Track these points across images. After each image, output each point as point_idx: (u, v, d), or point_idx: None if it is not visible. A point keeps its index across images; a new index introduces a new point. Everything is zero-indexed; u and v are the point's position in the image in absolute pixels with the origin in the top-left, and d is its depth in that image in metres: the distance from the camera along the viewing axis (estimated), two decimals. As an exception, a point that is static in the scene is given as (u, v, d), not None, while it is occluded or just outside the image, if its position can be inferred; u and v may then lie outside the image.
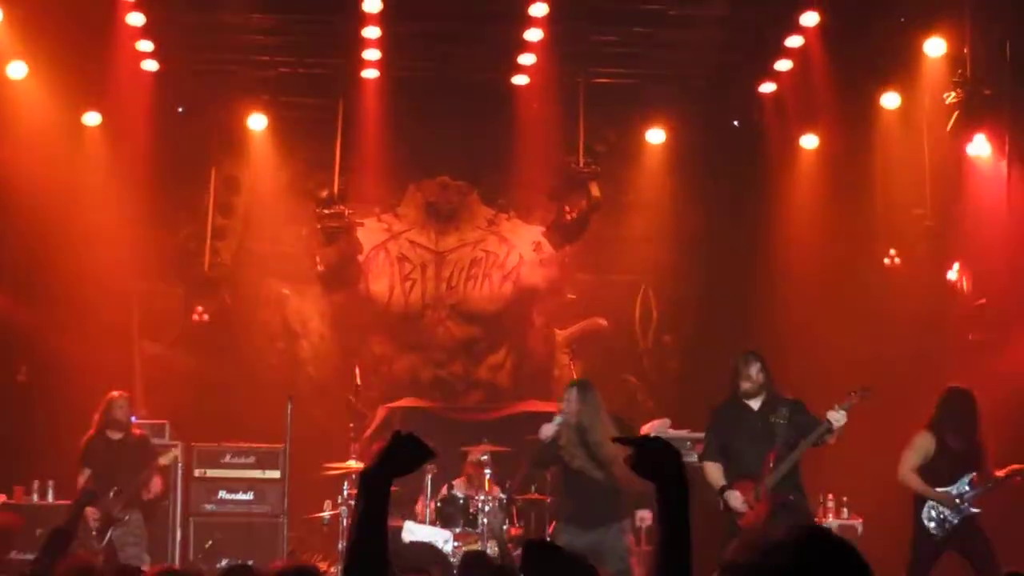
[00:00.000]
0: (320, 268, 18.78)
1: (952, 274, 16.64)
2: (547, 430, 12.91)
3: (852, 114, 17.57)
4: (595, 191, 18.65)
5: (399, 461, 4.80)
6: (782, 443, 12.41)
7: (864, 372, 15.99)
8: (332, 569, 14.69)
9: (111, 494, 14.35)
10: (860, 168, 17.74)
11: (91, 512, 14.23)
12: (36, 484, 15.84)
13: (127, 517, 14.52)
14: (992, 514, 13.11)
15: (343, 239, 18.55)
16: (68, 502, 15.51)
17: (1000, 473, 13.08)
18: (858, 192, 17.79)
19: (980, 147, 15.63)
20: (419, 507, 15.40)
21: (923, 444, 13.14)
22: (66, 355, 16.62)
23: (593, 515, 12.81)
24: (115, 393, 14.85)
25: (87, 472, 14.53)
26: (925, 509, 13.12)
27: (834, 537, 3.28)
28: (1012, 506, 13.75)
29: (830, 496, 15.68)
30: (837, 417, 12.12)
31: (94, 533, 14.35)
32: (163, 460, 14.92)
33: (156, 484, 14.83)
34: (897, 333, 16.88)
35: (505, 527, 15.00)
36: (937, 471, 13.08)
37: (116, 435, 14.67)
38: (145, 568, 14.06)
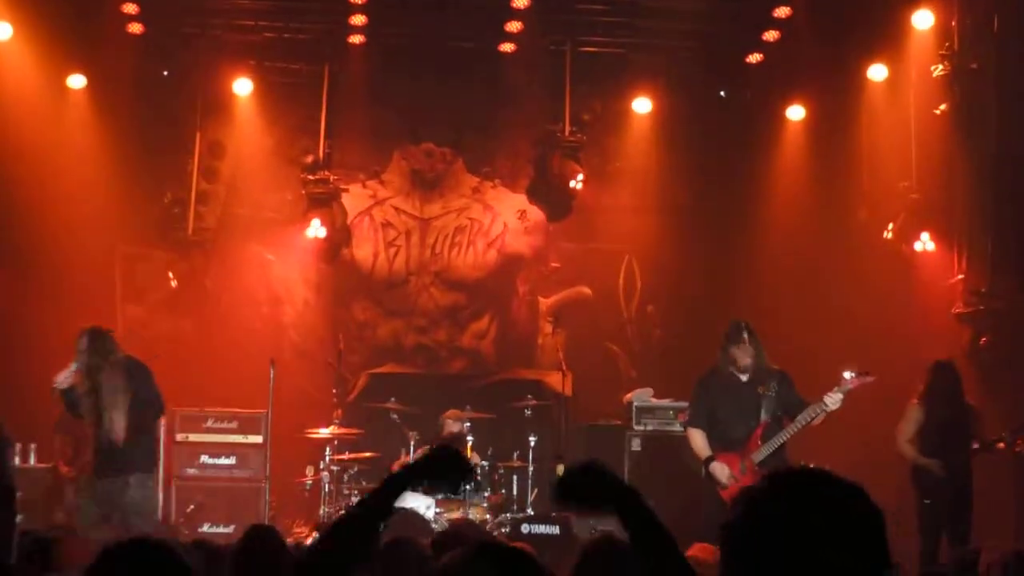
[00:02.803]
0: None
1: (919, 245, 16.65)
2: (61, 377, 12.60)
3: (839, 85, 17.60)
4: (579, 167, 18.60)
5: (435, 475, 4.65)
6: (770, 416, 12.44)
7: (847, 343, 16.09)
8: (314, 534, 14.69)
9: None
10: (846, 140, 17.76)
11: (68, 472, 14.19)
12: (18, 447, 15.76)
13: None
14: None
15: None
16: (50, 466, 15.56)
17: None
18: (844, 163, 17.80)
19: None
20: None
21: (913, 415, 13.57)
22: (49, 318, 16.56)
23: (103, 465, 12.54)
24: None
25: (59, 437, 14.46)
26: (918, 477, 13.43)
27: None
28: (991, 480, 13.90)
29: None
30: (834, 400, 12.13)
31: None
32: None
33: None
34: (881, 304, 16.88)
35: (486, 494, 15.02)
36: (928, 441, 13.40)
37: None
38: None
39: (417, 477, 4.60)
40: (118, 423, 12.33)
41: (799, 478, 3.19)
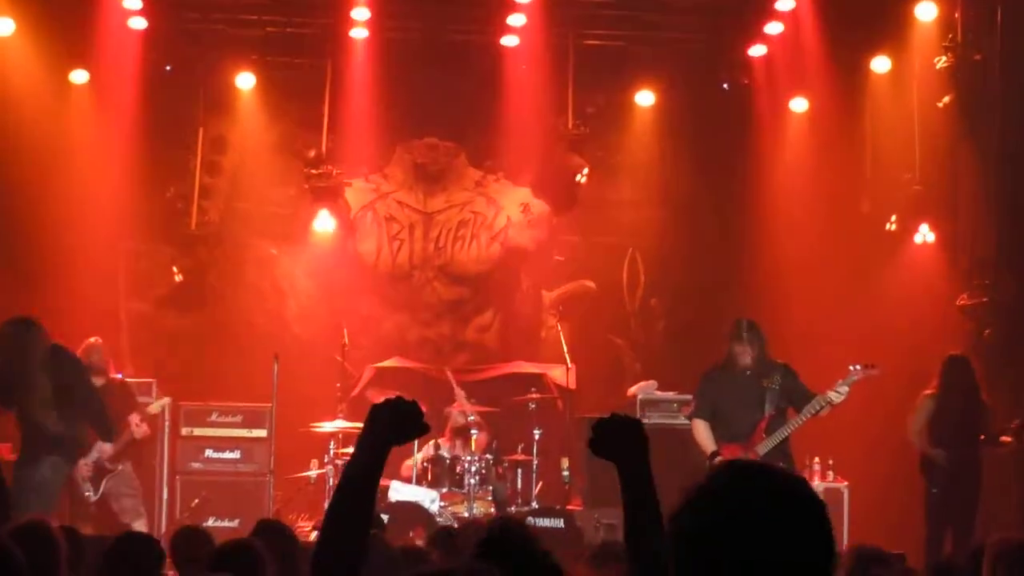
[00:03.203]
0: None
1: (920, 237, 16.66)
2: None
3: (842, 78, 17.56)
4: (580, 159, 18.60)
5: (394, 426, 4.67)
6: (774, 409, 12.47)
7: (851, 335, 16.11)
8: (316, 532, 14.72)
9: (98, 444, 14.29)
10: (849, 132, 17.74)
11: (82, 463, 14.20)
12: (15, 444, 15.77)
13: (119, 467, 14.46)
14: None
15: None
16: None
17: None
18: (847, 156, 17.77)
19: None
20: (404, 468, 15.42)
21: (925, 407, 13.69)
22: (53, 314, 16.53)
23: (24, 451, 12.77)
24: (91, 339, 14.72)
25: None
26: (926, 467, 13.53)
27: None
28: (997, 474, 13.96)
29: (816, 459, 15.69)
30: (839, 392, 12.17)
31: (88, 484, 14.30)
32: (152, 408, 14.86)
33: (144, 426, 14.77)
34: (885, 296, 16.88)
35: (490, 488, 15.04)
36: (938, 433, 13.49)
37: (97, 381, 14.51)
38: (141, 521, 14.17)
39: (376, 432, 4.54)
40: (38, 410, 12.43)
41: (744, 470, 3.20)
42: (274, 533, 7.86)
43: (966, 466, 13.66)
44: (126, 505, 14.34)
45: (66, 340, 15.22)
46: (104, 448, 14.25)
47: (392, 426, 4.56)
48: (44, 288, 16.80)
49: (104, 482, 14.37)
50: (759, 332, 12.77)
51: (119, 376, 15.00)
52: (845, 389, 12.21)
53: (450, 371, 17.07)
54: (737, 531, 3.05)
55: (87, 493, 14.35)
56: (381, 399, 4.51)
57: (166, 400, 15.02)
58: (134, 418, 14.60)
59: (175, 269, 18.06)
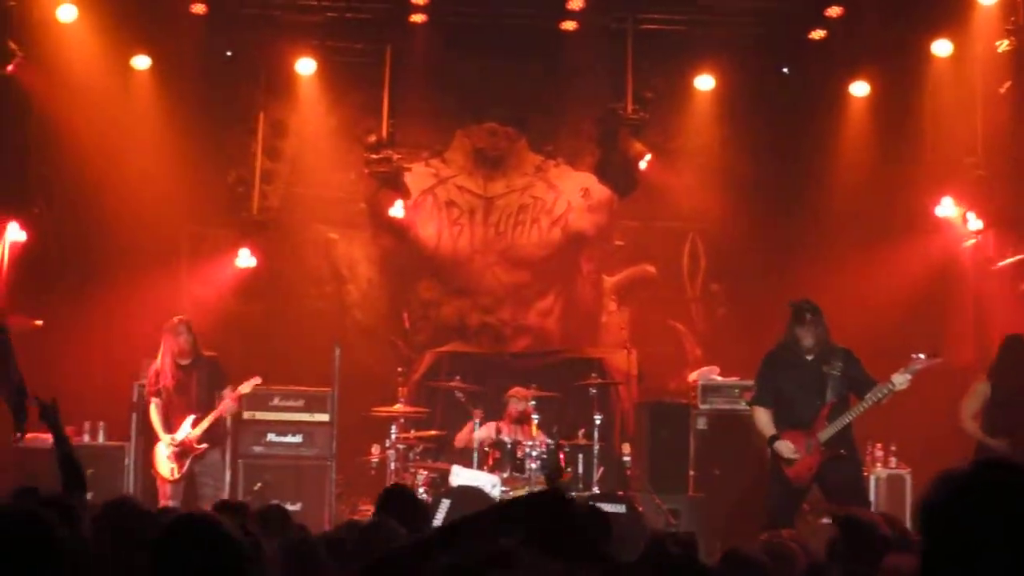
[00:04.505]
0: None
1: (981, 222, 16.47)
2: None
3: (902, 61, 17.46)
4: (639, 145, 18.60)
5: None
6: (836, 396, 12.42)
7: (912, 320, 16.06)
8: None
9: (188, 422, 14.40)
10: (910, 116, 17.61)
11: (168, 442, 14.32)
12: (87, 425, 15.91)
13: (205, 447, 14.55)
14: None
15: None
16: (120, 443, 15.69)
17: None
18: (908, 140, 17.66)
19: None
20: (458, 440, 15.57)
21: (980, 391, 13.37)
22: (118, 296, 16.71)
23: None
24: (176, 318, 14.72)
25: (157, 401, 14.52)
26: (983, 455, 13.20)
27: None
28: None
29: (878, 445, 15.65)
30: (902, 380, 12.10)
31: (172, 463, 14.37)
32: (243, 388, 14.87)
33: (234, 404, 14.88)
34: (945, 282, 16.81)
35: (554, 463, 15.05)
36: (993, 418, 13.24)
37: (184, 360, 14.61)
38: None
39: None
40: None
41: (1007, 466, 3.23)
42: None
43: (1021, 450, 13.39)
44: (206, 492, 14.39)
45: (131, 324, 15.43)
46: (189, 429, 14.36)
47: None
48: (108, 273, 16.98)
49: (188, 463, 14.43)
50: (821, 316, 12.70)
51: (208, 353, 14.97)
52: (908, 377, 12.13)
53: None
54: (1010, 527, 3.09)
55: (172, 473, 14.39)
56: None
57: (256, 379, 14.99)
58: (226, 395, 14.66)
59: (236, 254, 18.11)
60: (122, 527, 6.67)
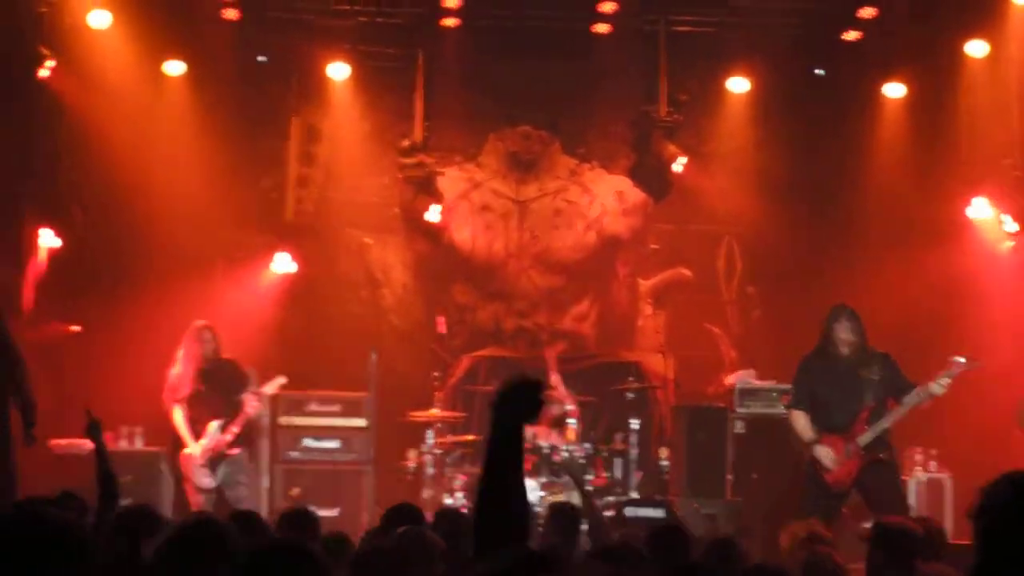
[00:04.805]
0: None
1: (1018, 223, 16.38)
2: None
3: (937, 62, 17.41)
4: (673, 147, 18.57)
5: (515, 406, 4.74)
6: (875, 400, 12.39)
7: (950, 323, 16.00)
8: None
9: (215, 426, 14.41)
10: (945, 117, 17.53)
11: (198, 448, 14.35)
12: (124, 430, 15.95)
13: (236, 451, 14.56)
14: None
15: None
16: (157, 449, 15.71)
17: None
18: (943, 142, 17.58)
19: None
20: None
21: None
22: (152, 302, 16.73)
23: None
24: (198, 322, 14.81)
25: (182, 407, 14.55)
26: None
27: None
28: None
29: (918, 449, 15.60)
30: (941, 385, 12.08)
31: (205, 470, 14.40)
32: (268, 389, 14.92)
33: (258, 403, 14.91)
34: (984, 283, 16.75)
35: (588, 477, 15.03)
36: None
37: (207, 365, 14.62)
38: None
39: (505, 414, 4.67)
40: None
41: None
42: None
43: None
44: (241, 493, 14.41)
45: (166, 329, 15.46)
46: (219, 434, 14.38)
47: (517, 407, 4.66)
48: (143, 279, 17.01)
49: (220, 468, 14.46)
50: (858, 319, 12.69)
51: (228, 356, 15.02)
52: (947, 381, 12.13)
53: (551, 355, 16.98)
54: None
55: (205, 480, 14.43)
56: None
57: (280, 379, 15.03)
58: (249, 396, 14.69)
59: (271, 259, 18.14)
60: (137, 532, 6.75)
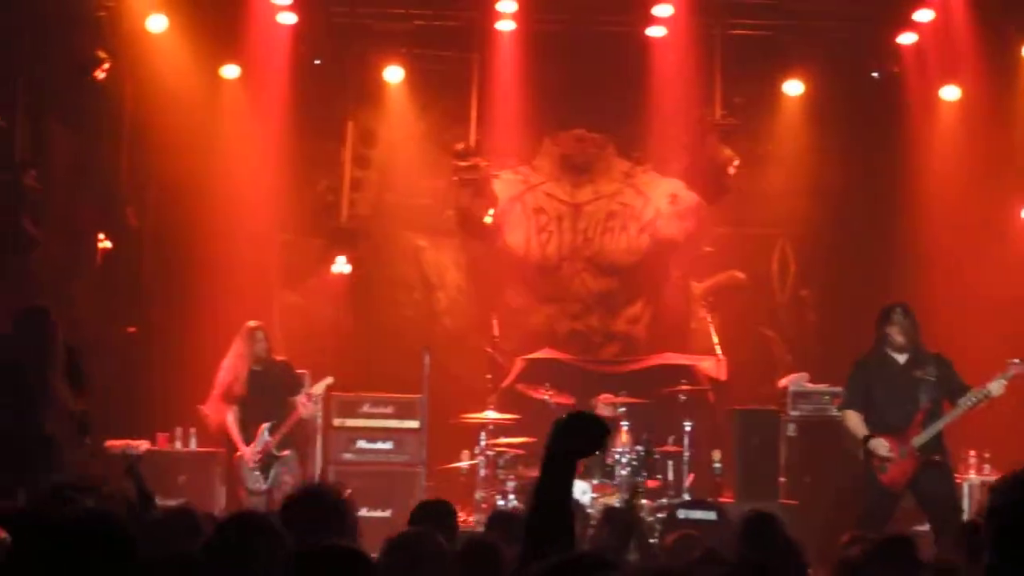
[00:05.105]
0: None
1: None
2: None
3: (994, 65, 17.31)
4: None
5: (580, 439, 4.76)
6: (930, 401, 12.33)
7: (1004, 326, 15.89)
8: (470, 519, 14.79)
9: (265, 429, 14.48)
10: (1002, 120, 17.45)
11: (249, 451, 14.41)
12: (179, 431, 16.03)
13: (286, 453, 14.63)
14: None
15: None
16: (211, 450, 15.79)
17: None
18: (1000, 145, 17.50)
19: None
20: None
21: None
22: (208, 304, 16.83)
23: None
24: (251, 323, 14.85)
25: (235, 409, 14.62)
26: None
27: None
28: None
29: (972, 452, 15.50)
30: (996, 387, 12.03)
31: (256, 473, 14.46)
32: (316, 389, 14.98)
33: (310, 404, 14.97)
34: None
35: (640, 479, 14.98)
36: None
37: (258, 367, 14.70)
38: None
39: (566, 448, 4.74)
40: None
41: None
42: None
43: None
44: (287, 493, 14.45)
45: (221, 331, 15.54)
46: (268, 436, 14.44)
47: (578, 438, 4.67)
48: (200, 280, 17.12)
49: (271, 470, 14.53)
50: (913, 319, 12.64)
51: (280, 357, 15.11)
52: (1004, 383, 12.07)
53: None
54: None
55: (256, 483, 14.50)
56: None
57: (329, 380, 15.07)
58: (301, 398, 14.76)
59: (329, 261, 18.22)
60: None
